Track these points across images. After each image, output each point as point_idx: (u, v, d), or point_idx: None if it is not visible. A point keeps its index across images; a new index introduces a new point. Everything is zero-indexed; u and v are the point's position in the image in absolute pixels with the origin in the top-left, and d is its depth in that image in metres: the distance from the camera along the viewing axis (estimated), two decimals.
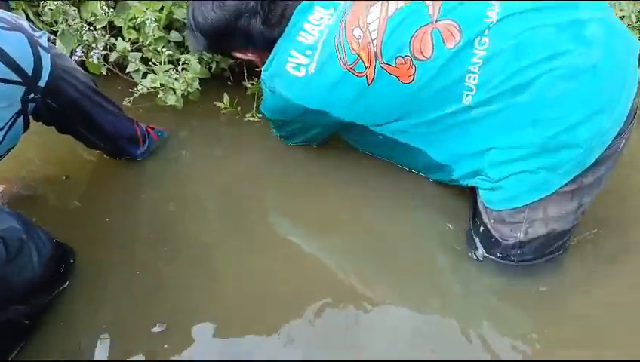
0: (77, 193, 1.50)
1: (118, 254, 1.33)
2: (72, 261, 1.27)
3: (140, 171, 1.55)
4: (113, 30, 1.72)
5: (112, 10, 1.64)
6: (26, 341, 1.14)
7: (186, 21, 1.67)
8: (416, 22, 1.10)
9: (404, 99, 1.15)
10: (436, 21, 1.09)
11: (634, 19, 1.74)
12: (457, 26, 1.08)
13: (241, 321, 1.19)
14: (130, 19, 1.67)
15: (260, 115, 1.70)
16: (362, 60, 1.14)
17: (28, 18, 1.64)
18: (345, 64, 1.15)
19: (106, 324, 1.19)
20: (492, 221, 1.20)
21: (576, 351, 1.12)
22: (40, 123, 1.33)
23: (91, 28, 1.63)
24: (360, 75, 1.14)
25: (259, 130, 1.67)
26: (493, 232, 1.20)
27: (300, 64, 1.19)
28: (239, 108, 1.73)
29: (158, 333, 1.17)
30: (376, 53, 1.12)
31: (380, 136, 1.28)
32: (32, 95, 1.14)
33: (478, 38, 1.07)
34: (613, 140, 1.07)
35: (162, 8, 1.65)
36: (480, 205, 1.23)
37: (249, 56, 1.36)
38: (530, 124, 1.06)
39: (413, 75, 1.11)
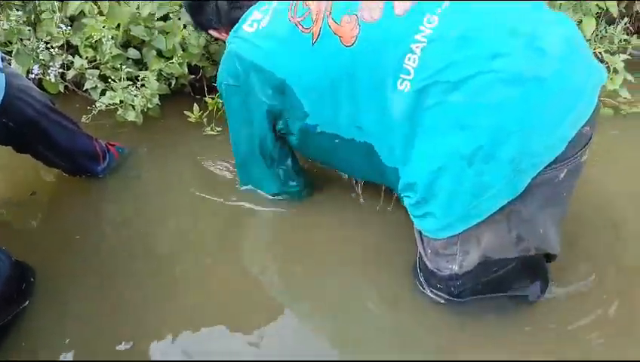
0: (38, 212, 1.50)
1: (80, 271, 1.32)
2: (32, 279, 1.26)
3: (102, 187, 1.55)
4: (70, 49, 1.72)
5: (68, 28, 1.65)
6: None
7: (143, 39, 1.70)
8: None
9: (340, 65, 1.07)
10: None
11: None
12: None
13: (206, 334, 1.20)
14: (87, 38, 1.68)
15: (219, 129, 1.73)
16: (311, 14, 1.09)
17: None
18: (294, 17, 1.11)
19: (70, 342, 1.18)
20: (429, 252, 1.13)
21: None
22: None
23: (48, 47, 1.63)
24: (306, 30, 1.09)
25: (219, 146, 1.69)
26: (429, 264, 1.14)
27: (254, 20, 1.16)
28: (205, 120, 1.76)
29: (124, 351, 1.17)
30: (326, 7, 1.08)
31: (337, 140, 1.20)
32: None
33: (428, 15, 0.99)
34: (549, 166, 0.95)
35: (119, 26, 1.66)
36: (417, 235, 1.16)
37: (223, 36, 1.34)
38: (459, 128, 0.96)
39: (356, 36, 1.04)
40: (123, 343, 1.18)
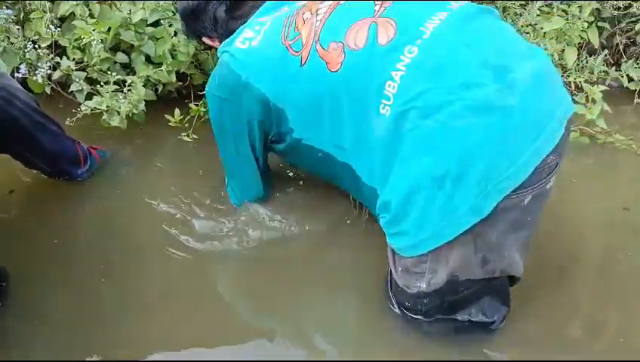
0: (14, 213, 1.49)
1: (55, 276, 1.32)
2: (3, 284, 1.25)
3: (81, 190, 1.55)
4: (57, 49, 1.72)
5: (57, 30, 1.65)
6: None
7: (132, 43, 1.70)
8: (360, 13, 1.12)
9: (326, 89, 1.13)
10: (378, 17, 1.10)
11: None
12: (395, 26, 1.08)
13: (178, 349, 1.20)
14: (76, 40, 1.68)
15: (195, 136, 1.75)
16: (301, 39, 1.14)
17: None
18: (285, 40, 1.16)
19: (39, 351, 1.17)
20: (400, 269, 1.17)
21: None
22: None
23: (35, 46, 1.63)
24: (296, 53, 1.15)
25: (198, 151, 1.70)
26: (399, 281, 1.18)
27: (246, 38, 1.21)
28: (187, 125, 1.77)
29: None
30: (315, 33, 1.14)
31: (320, 154, 1.25)
32: None
33: (409, 46, 1.06)
34: (515, 191, 1.01)
35: (109, 29, 1.67)
36: (389, 253, 1.20)
37: (216, 44, 1.37)
38: (433, 150, 1.02)
39: (341, 63, 1.10)
40: (94, 356, 1.17)
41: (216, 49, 1.33)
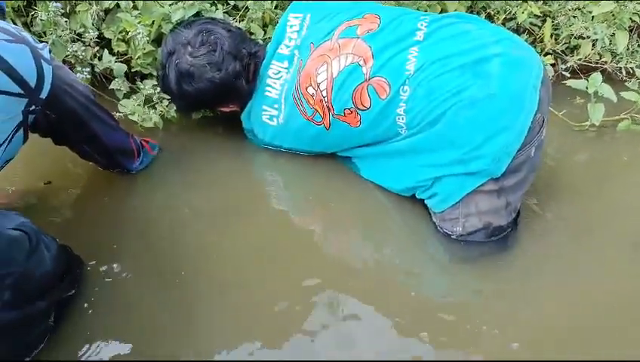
0: (64, 204, 1.48)
1: (120, 267, 1.32)
2: (78, 271, 1.26)
3: (130, 181, 1.54)
4: (102, 41, 1.70)
5: (96, 33, 1.63)
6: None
7: None
8: (354, 81, 1.38)
9: (355, 138, 1.47)
10: (369, 78, 1.37)
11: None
12: (387, 81, 1.35)
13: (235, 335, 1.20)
14: (120, 32, 1.66)
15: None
16: (319, 112, 1.45)
17: None
18: (306, 115, 1.47)
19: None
20: (438, 220, 1.44)
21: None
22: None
23: (81, 39, 1.62)
24: (319, 123, 1.47)
25: (248, 141, 1.69)
26: (440, 230, 1.45)
27: (272, 115, 1.53)
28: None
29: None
30: (328, 107, 1.43)
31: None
32: (33, 107, 1.13)
33: (402, 87, 1.33)
34: (521, 150, 1.30)
35: (153, 23, 1.65)
36: (430, 210, 1.47)
37: (231, 108, 1.60)
38: (449, 145, 1.32)
39: (360, 120, 1.41)
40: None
41: (231, 110, 1.60)
